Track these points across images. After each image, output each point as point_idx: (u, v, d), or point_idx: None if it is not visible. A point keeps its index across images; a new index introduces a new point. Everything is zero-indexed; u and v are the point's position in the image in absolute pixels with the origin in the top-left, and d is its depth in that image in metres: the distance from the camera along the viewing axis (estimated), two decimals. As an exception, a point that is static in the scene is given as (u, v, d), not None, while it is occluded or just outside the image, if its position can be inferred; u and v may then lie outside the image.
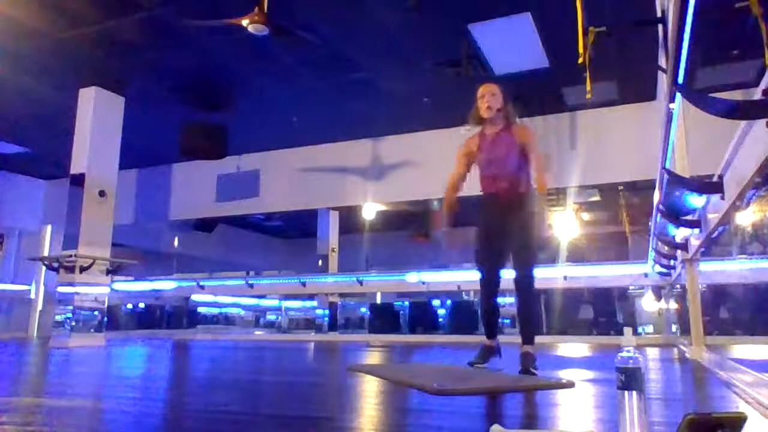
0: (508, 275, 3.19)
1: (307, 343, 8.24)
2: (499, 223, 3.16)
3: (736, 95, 5.89)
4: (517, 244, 3.09)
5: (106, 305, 6.85)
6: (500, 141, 3.22)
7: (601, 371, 3.37)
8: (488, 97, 3.21)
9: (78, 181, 6.75)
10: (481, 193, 3.31)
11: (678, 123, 3.17)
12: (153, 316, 12.16)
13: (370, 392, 2.58)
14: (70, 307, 6.44)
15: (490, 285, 3.21)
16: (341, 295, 11.05)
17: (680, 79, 2.08)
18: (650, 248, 6.19)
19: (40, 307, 10.29)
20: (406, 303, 11.21)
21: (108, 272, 6.80)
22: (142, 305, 12.37)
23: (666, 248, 5.11)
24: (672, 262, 5.47)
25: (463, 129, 3.37)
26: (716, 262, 6.89)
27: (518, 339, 3.07)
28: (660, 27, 2.75)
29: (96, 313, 6.64)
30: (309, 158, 8.96)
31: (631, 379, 1.25)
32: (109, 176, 6.98)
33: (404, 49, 5.89)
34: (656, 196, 4.16)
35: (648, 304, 8.76)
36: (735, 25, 4.20)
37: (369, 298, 13.46)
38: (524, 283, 3.06)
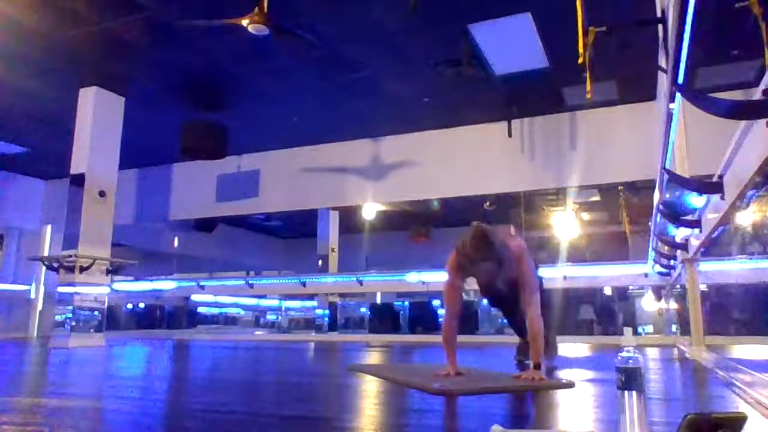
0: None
1: (307, 343, 8.24)
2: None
3: (736, 95, 5.89)
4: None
5: (106, 305, 6.85)
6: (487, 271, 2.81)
7: (601, 371, 3.37)
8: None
9: (78, 181, 6.75)
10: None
11: (678, 123, 3.17)
12: (153, 316, 12.18)
13: (370, 392, 2.58)
14: (70, 307, 6.43)
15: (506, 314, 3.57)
16: (341, 295, 11.06)
17: (680, 79, 2.08)
18: (650, 248, 6.19)
19: (40, 307, 10.28)
20: (406, 303, 11.22)
21: (108, 272, 6.79)
22: (142, 305, 12.39)
23: (666, 248, 5.11)
24: (672, 262, 5.47)
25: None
26: (716, 262, 6.89)
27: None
28: (660, 27, 2.75)
29: (96, 313, 6.64)
30: (309, 158, 8.95)
31: (631, 379, 1.26)
32: (109, 176, 6.98)
33: (404, 49, 5.89)
34: (656, 196, 4.16)
35: (648, 304, 8.77)
36: (735, 25, 4.20)
37: (369, 298, 13.48)
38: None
